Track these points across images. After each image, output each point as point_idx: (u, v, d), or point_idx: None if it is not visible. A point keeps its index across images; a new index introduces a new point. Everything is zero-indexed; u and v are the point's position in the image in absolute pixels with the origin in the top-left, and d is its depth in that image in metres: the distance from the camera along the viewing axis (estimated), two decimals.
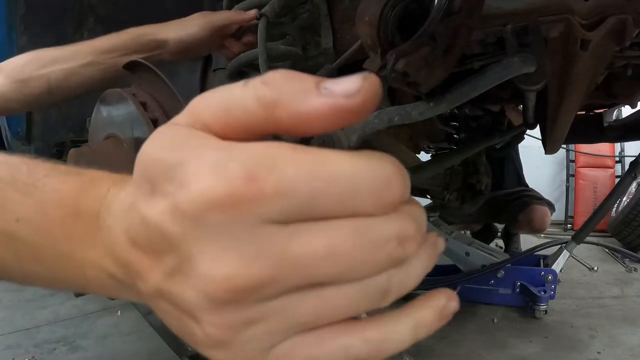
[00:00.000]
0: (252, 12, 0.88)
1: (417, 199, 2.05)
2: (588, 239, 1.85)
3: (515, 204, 2.19)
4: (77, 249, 0.27)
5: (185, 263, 0.20)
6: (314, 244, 0.19)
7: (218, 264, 0.19)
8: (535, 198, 2.20)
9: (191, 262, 0.20)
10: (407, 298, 0.23)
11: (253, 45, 0.87)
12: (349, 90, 0.20)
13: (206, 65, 1.15)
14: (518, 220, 2.18)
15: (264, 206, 0.19)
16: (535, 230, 2.21)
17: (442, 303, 0.24)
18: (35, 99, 0.86)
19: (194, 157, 0.20)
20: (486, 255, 1.80)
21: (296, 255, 0.19)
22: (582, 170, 3.88)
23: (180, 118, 0.23)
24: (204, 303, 0.20)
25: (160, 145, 0.21)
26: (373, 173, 0.20)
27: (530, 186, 2.41)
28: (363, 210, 0.20)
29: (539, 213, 2.12)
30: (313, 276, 0.20)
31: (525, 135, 1.54)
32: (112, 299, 0.81)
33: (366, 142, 0.70)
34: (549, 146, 1.03)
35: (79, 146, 0.76)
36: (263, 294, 0.20)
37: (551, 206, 2.23)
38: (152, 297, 0.23)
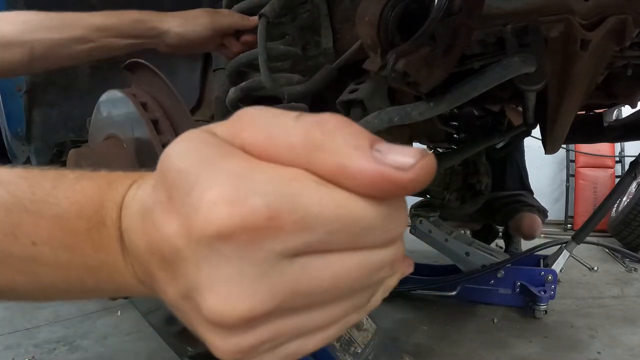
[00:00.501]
0: (256, 19, 0.86)
1: (417, 198, 2.05)
2: (588, 239, 1.85)
3: (507, 209, 2.19)
4: (108, 258, 0.25)
5: (195, 291, 0.20)
6: (322, 277, 0.20)
7: (227, 298, 0.19)
8: (527, 205, 2.19)
9: (200, 291, 0.20)
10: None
11: (253, 45, 0.87)
12: (402, 162, 0.19)
13: (206, 65, 1.14)
14: (509, 226, 2.18)
15: (280, 242, 0.19)
16: (524, 237, 2.21)
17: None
18: (13, 66, 0.78)
19: (217, 180, 0.19)
20: (486, 255, 1.80)
21: (304, 288, 0.20)
22: (582, 170, 3.89)
23: (219, 128, 0.22)
24: (212, 332, 0.21)
25: (186, 154, 0.20)
26: (389, 216, 0.21)
27: (531, 187, 2.41)
28: (370, 245, 0.21)
29: (527, 221, 2.11)
30: (316, 302, 0.21)
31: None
32: (114, 299, 0.80)
33: None
34: (549, 146, 1.03)
35: (79, 146, 0.76)
36: (268, 320, 0.20)
37: (543, 213, 2.22)
38: (170, 306, 0.23)
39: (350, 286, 0.21)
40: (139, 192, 0.24)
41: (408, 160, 0.19)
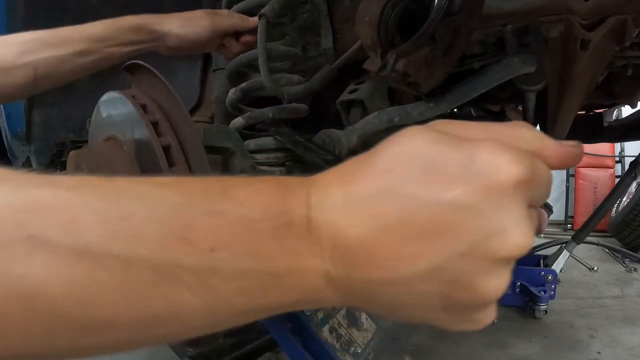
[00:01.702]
0: (256, 20, 0.86)
1: None
2: (588, 239, 1.85)
3: None
4: (295, 261, 0.24)
5: (491, 237, 0.24)
6: (535, 223, 0.27)
7: (524, 233, 0.24)
8: None
9: (502, 233, 0.24)
10: None
11: (253, 46, 0.87)
12: (573, 143, 0.29)
13: (206, 65, 1.14)
14: None
15: (530, 191, 0.25)
16: None
17: None
18: (17, 89, 0.76)
19: (498, 149, 0.24)
20: None
21: (532, 229, 0.26)
22: (582, 170, 3.89)
23: (437, 126, 0.27)
24: (497, 273, 0.25)
25: (436, 140, 0.25)
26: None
27: None
28: (539, 204, 0.28)
29: None
30: None
31: None
32: None
33: (366, 143, 0.70)
34: None
35: (79, 147, 0.75)
36: None
37: (548, 208, 2.22)
38: (401, 281, 0.24)
39: None
40: (336, 191, 0.25)
41: (576, 142, 0.29)
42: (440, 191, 0.23)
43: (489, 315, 0.27)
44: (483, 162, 0.24)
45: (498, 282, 0.25)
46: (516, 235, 0.24)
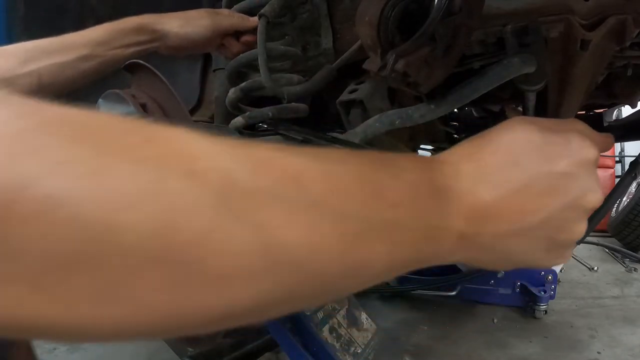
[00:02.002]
0: (256, 19, 0.85)
1: None
2: (588, 239, 1.85)
3: None
4: (443, 219, 0.30)
5: (584, 195, 0.34)
6: None
7: (600, 191, 0.35)
8: None
9: (591, 191, 0.34)
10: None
11: (253, 45, 0.87)
12: (609, 134, 0.42)
13: (206, 65, 1.14)
14: None
15: (596, 164, 0.36)
16: None
17: None
18: None
19: (580, 135, 0.36)
20: None
21: None
22: None
23: (532, 120, 0.37)
24: (584, 219, 0.35)
25: (543, 131, 0.35)
26: None
27: None
28: None
29: None
30: None
31: None
32: None
33: (367, 143, 0.70)
34: None
35: None
36: None
37: None
38: (523, 230, 0.33)
39: None
40: (467, 165, 0.33)
41: (609, 134, 0.42)
42: (552, 163, 0.34)
43: (571, 251, 0.37)
44: (577, 144, 0.35)
45: (584, 225, 0.36)
46: (597, 192, 0.35)
